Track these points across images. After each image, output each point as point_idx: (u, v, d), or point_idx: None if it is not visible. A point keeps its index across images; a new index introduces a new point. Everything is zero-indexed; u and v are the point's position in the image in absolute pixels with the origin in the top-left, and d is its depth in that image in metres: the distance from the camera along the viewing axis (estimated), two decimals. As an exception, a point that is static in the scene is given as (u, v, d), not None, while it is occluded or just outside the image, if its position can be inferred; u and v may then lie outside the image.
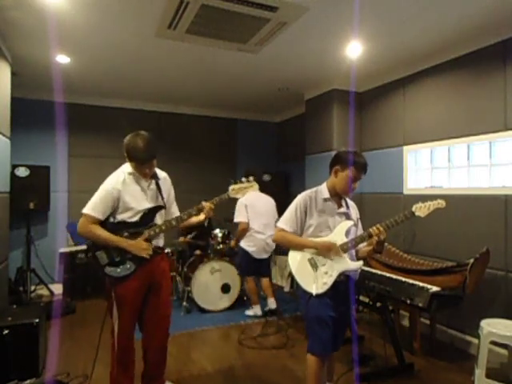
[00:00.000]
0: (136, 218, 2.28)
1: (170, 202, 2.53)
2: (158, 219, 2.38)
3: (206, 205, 2.39)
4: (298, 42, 3.46)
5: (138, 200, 2.29)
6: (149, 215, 2.32)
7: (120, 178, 2.28)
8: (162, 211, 2.42)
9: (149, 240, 2.28)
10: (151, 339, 2.39)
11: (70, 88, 4.96)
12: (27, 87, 4.92)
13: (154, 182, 2.38)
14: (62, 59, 3.91)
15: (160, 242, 2.43)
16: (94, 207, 2.21)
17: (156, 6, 2.82)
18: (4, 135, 3.55)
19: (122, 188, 2.24)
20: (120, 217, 2.26)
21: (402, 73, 4.12)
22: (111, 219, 2.27)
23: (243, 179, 2.46)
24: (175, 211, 2.59)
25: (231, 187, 2.44)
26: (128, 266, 2.22)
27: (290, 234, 2.23)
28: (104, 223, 2.24)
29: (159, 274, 2.38)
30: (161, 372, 2.49)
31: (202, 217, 2.46)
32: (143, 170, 2.27)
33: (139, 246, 2.23)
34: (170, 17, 2.96)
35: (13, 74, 3.90)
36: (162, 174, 2.49)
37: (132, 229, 2.26)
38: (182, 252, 5.06)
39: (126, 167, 2.34)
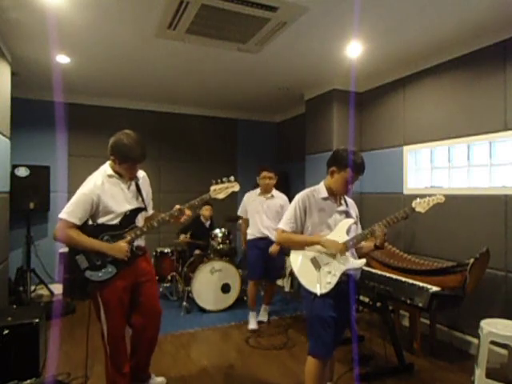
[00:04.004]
0: (117, 221, 2.23)
1: (147, 201, 2.49)
2: (140, 220, 2.35)
3: (185, 210, 2.35)
4: (297, 42, 3.46)
5: (118, 202, 2.24)
6: (130, 217, 2.27)
7: (98, 181, 2.22)
8: (143, 213, 2.38)
9: (131, 242, 2.23)
10: (142, 332, 2.38)
11: (70, 88, 4.96)
12: (27, 87, 4.92)
13: (133, 183, 2.34)
14: (62, 59, 3.91)
15: (141, 242, 2.38)
16: (70, 212, 2.14)
17: (156, 6, 2.82)
18: (4, 135, 3.55)
19: (100, 192, 2.18)
20: (100, 220, 2.21)
21: (402, 73, 4.12)
22: (90, 222, 2.21)
23: (224, 179, 2.41)
24: (150, 210, 2.54)
25: (212, 188, 2.39)
26: (110, 269, 2.18)
27: (292, 234, 2.22)
28: (83, 226, 2.18)
29: (142, 275, 2.35)
30: (148, 363, 2.52)
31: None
32: (135, 170, 2.24)
33: (119, 249, 2.18)
34: (170, 17, 2.96)
35: (13, 74, 3.90)
36: (141, 173, 2.44)
37: (112, 231, 2.21)
38: (182, 252, 5.06)
39: (106, 169, 2.28)
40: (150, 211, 2.55)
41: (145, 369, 2.52)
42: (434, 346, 3.37)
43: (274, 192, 4.00)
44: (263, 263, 3.87)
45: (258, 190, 4.03)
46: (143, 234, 2.29)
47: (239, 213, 4.18)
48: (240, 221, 4.92)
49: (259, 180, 3.98)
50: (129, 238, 2.23)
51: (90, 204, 2.16)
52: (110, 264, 2.18)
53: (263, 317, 4.10)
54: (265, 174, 3.93)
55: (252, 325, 3.87)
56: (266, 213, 3.88)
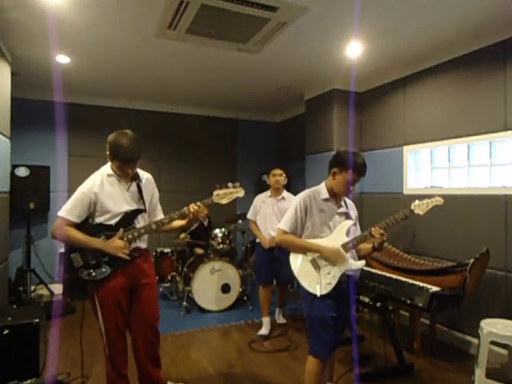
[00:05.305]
0: (114, 221, 2.21)
1: (154, 203, 2.46)
2: (141, 222, 2.32)
3: (193, 207, 2.30)
4: (298, 42, 3.46)
5: (116, 202, 2.22)
6: (128, 218, 2.25)
7: (97, 180, 2.22)
8: (145, 214, 2.35)
9: (126, 240, 2.21)
10: (139, 339, 2.35)
11: (70, 88, 4.96)
12: (27, 87, 4.92)
13: (134, 184, 2.31)
14: (62, 59, 3.91)
15: (142, 244, 2.35)
16: (69, 210, 2.15)
17: (156, 7, 2.82)
18: (4, 135, 3.55)
19: (98, 191, 2.18)
20: (98, 219, 2.20)
21: (402, 73, 4.12)
22: (90, 221, 2.21)
23: (229, 184, 2.38)
24: (158, 214, 2.52)
25: (216, 192, 2.35)
26: (103, 269, 2.16)
27: (292, 236, 2.22)
28: (83, 225, 2.17)
29: (143, 276, 2.32)
30: (155, 369, 2.44)
31: (183, 222, 2.38)
32: (126, 170, 2.22)
33: (114, 246, 2.16)
34: (170, 17, 2.96)
35: (13, 74, 3.90)
36: (144, 174, 2.42)
37: (109, 232, 2.20)
38: (182, 252, 5.06)
39: (106, 169, 2.28)
40: (161, 215, 2.51)
41: (153, 376, 2.43)
42: (434, 345, 3.37)
43: (285, 193, 3.91)
44: (272, 267, 3.77)
45: (268, 192, 3.96)
46: (141, 235, 2.26)
47: (249, 216, 4.01)
48: (240, 221, 4.91)
49: (270, 178, 3.90)
50: (125, 238, 2.20)
51: (88, 202, 2.16)
52: (105, 264, 2.17)
53: (280, 320, 4.07)
54: (275, 171, 3.86)
55: (263, 330, 3.75)
56: (276, 215, 3.76)
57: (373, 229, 2.14)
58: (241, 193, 2.40)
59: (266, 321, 3.81)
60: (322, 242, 2.17)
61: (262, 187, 5.58)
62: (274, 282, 4.04)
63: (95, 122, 5.43)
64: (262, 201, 3.94)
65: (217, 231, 4.73)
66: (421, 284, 2.93)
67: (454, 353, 3.32)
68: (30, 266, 4.81)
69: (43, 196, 4.83)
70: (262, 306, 3.86)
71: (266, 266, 3.82)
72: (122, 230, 2.21)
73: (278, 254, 3.63)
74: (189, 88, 5.02)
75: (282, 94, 5.27)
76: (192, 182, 6.06)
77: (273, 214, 3.80)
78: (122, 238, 2.20)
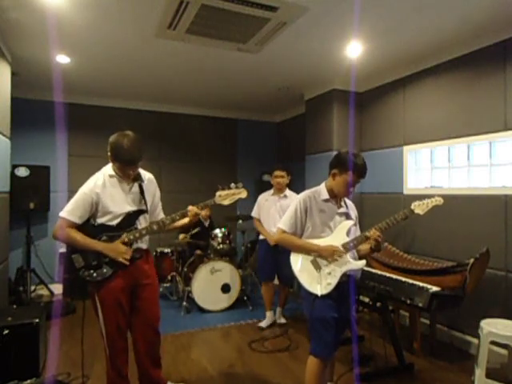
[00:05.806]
0: (115, 222, 2.21)
1: (155, 203, 2.47)
2: (143, 223, 2.32)
3: (192, 208, 2.31)
4: (297, 42, 3.46)
5: (118, 203, 2.22)
6: (130, 219, 2.25)
7: (99, 180, 2.22)
8: (146, 215, 2.35)
9: (128, 244, 2.21)
10: (140, 339, 2.35)
11: (70, 88, 4.96)
12: (27, 87, 4.92)
13: (136, 184, 2.31)
14: (62, 59, 3.91)
15: (143, 244, 2.35)
16: (70, 211, 2.15)
17: (156, 6, 2.82)
18: (4, 135, 3.55)
19: (100, 191, 2.18)
20: (100, 220, 2.20)
21: (402, 73, 4.12)
22: (92, 221, 2.21)
23: (232, 185, 2.38)
24: (160, 213, 2.52)
25: (218, 193, 2.36)
26: (104, 270, 2.16)
27: (292, 236, 2.22)
28: (84, 226, 2.17)
29: (143, 277, 2.32)
30: (155, 369, 2.43)
31: (185, 220, 2.39)
32: (127, 172, 2.22)
33: (116, 250, 2.16)
34: (170, 17, 2.96)
35: (13, 74, 3.90)
36: (146, 174, 2.42)
37: (111, 232, 2.20)
38: (182, 252, 5.07)
39: (107, 169, 2.28)
40: (161, 214, 2.52)
41: (153, 376, 2.43)
42: (434, 345, 3.37)
43: (288, 192, 4.00)
44: (274, 264, 3.87)
45: (271, 191, 4.06)
46: (142, 236, 2.26)
47: (253, 214, 4.11)
48: (240, 221, 4.91)
49: (272, 179, 4.00)
50: (126, 239, 2.21)
51: (90, 203, 2.16)
52: (106, 265, 2.17)
53: (280, 320, 4.09)
54: (276, 172, 3.96)
55: (262, 323, 3.93)
56: (279, 213, 3.83)
57: (368, 232, 2.15)
58: (243, 194, 2.39)
59: (268, 315, 3.98)
60: (322, 242, 2.17)
61: (263, 187, 5.59)
62: (276, 281, 4.05)
63: (95, 121, 5.43)
64: (266, 199, 4.03)
65: (217, 231, 4.73)
66: (421, 284, 2.92)
67: (454, 353, 3.33)
68: (29, 266, 4.81)
69: (43, 196, 4.83)
70: (265, 301, 4.01)
71: (268, 263, 3.93)
72: (125, 235, 2.21)
73: (282, 250, 3.63)
74: (189, 88, 5.02)
75: (282, 94, 5.27)
76: (192, 181, 6.07)
77: (275, 212, 3.89)
78: (125, 243, 2.20)
